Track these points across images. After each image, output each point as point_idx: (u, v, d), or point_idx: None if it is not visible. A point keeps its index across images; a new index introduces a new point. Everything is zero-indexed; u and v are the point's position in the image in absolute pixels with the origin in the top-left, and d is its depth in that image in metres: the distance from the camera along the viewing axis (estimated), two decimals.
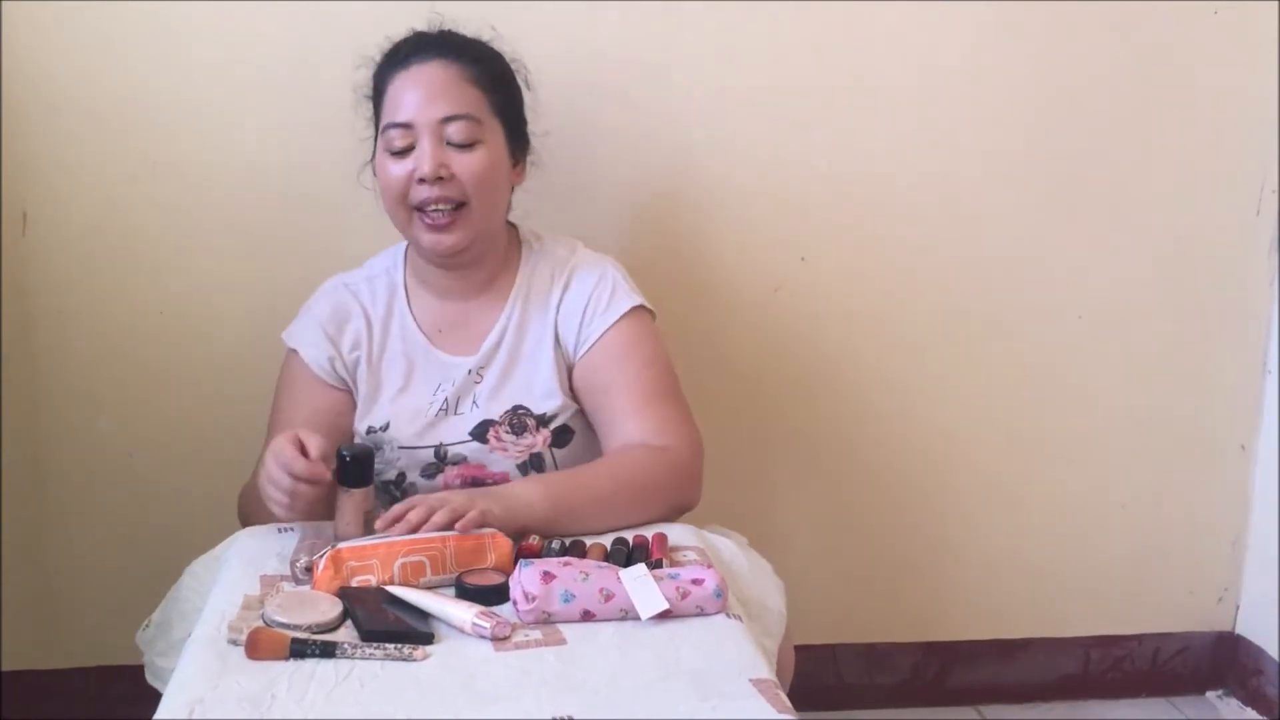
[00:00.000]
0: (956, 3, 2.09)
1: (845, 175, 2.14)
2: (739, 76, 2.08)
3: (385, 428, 1.67)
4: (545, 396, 1.67)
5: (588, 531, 1.54)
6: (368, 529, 1.48)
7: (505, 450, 1.66)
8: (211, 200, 2.01)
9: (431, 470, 1.68)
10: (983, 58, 2.13)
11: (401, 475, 1.68)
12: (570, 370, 1.69)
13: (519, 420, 1.66)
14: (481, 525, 1.44)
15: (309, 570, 1.41)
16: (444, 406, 1.67)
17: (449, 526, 1.42)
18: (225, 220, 2.02)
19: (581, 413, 1.70)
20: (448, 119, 1.59)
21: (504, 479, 1.64)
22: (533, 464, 1.67)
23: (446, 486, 1.66)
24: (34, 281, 2.01)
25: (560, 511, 1.52)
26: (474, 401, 1.67)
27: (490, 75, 1.65)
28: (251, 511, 1.64)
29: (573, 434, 1.69)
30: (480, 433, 1.67)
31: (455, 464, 1.67)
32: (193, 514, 2.06)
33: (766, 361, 2.20)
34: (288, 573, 1.44)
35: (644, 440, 1.61)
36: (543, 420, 1.67)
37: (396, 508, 1.46)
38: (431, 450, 1.67)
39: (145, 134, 1.97)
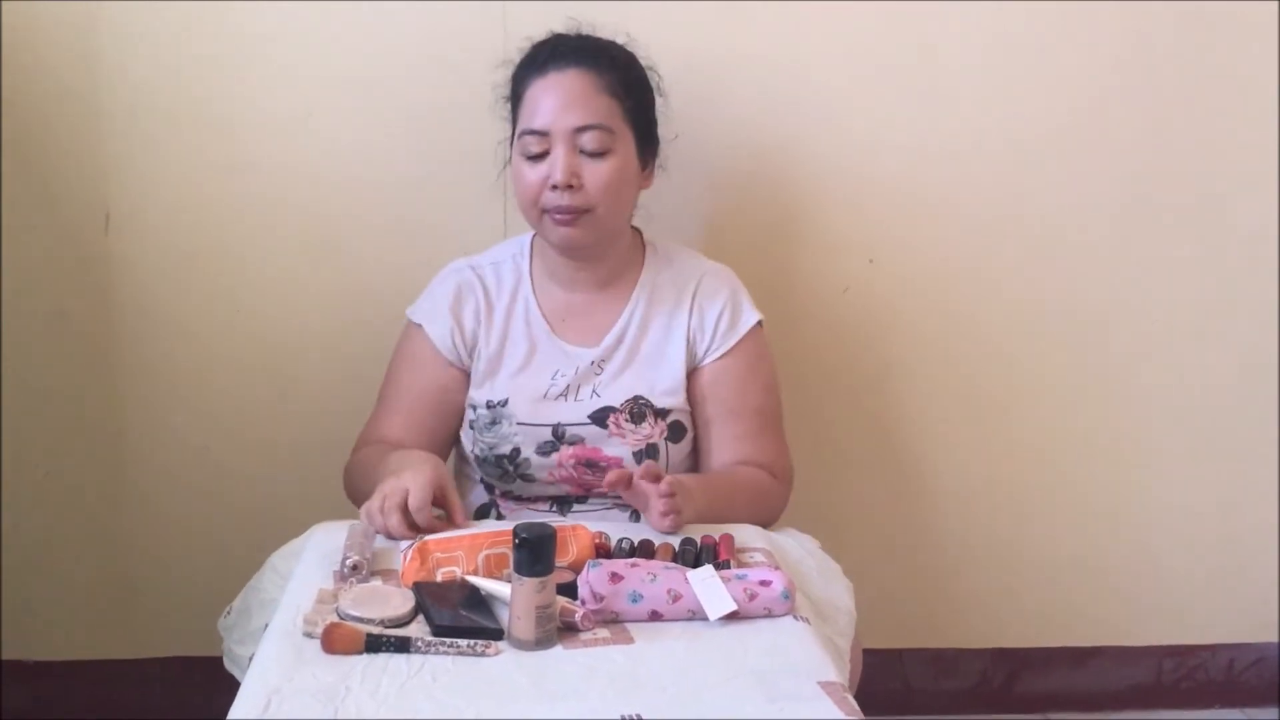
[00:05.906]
0: (1032, 4, 2.07)
1: (915, 177, 2.12)
2: (807, 78, 2.07)
3: (504, 403, 1.75)
4: (668, 393, 1.76)
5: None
6: (541, 626, 1.29)
7: (624, 437, 1.74)
8: (288, 201, 2.04)
9: (547, 448, 1.74)
10: (1059, 60, 2.10)
11: (516, 450, 1.74)
12: (693, 370, 1.77)
13: (639, 410, 1.74)
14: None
15: (356, 568, 1.42)
16: (564, 392, 1.74)
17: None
18: (302, 220, 2.05)
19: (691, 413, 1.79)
20: (581, 129, 1.68)
21: (617, 463, 1.72)
22: (648, 453, 1.74)
23: (561, 465, 1.73)
24: (115, 280, 2.06)
25: (703, 516, 1.62)
26: (594, 390, 1.75)
27: (625, 82, 1.74)
28: (357, 488, 1.72)
29: (686, 431, 1.78)
30: (600, 418, 1.74)
31: (572, 444, 1.74)
32: (265, 508, 2.10)
33: (833, 363, 2.19)
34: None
35: (761, 465, 1.77)
36: (661, 413, 1.75)
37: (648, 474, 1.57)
38: (549, 429, 1.74)
39: (225, 135, 2.01)
